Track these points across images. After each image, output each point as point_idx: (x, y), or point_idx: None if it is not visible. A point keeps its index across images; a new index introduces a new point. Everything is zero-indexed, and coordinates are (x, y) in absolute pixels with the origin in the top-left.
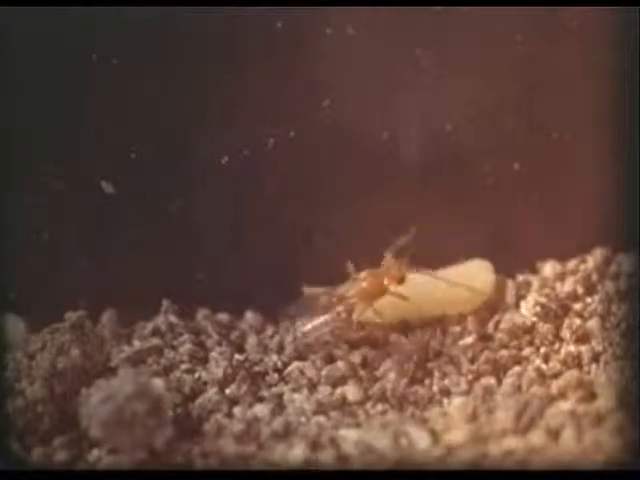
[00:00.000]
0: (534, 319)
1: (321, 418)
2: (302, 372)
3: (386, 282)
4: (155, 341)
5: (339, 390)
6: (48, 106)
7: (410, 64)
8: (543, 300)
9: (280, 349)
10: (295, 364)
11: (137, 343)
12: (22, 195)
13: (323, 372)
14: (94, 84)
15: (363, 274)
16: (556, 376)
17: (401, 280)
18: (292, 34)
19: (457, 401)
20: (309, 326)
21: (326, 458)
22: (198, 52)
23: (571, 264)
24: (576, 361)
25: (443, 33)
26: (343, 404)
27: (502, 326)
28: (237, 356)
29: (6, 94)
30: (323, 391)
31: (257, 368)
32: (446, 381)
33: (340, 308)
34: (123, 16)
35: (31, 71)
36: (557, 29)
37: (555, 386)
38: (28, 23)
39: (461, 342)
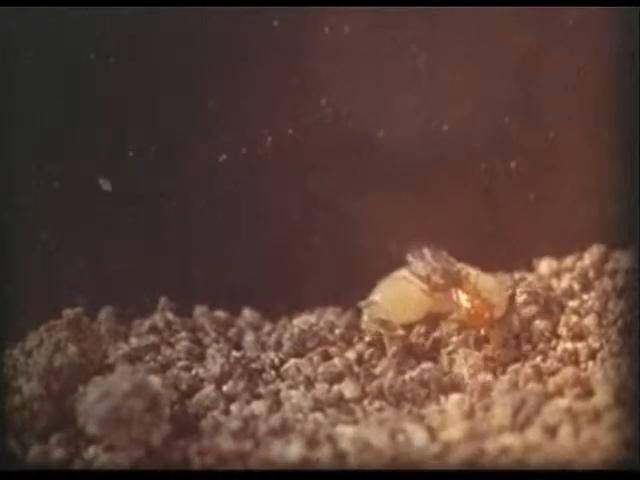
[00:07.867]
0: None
1: (318, 415)
2: (299, 369)
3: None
4: (152, 338)
5: (336, 387)
6: (48, 106)
7: (407, 63)
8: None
9: (277, 346)
10: (292, 361)
11: (134, 340)
12: (21, 194)
13: (320, 369)
14: (92, 84)
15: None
16: (553, 373)
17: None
18: (289, 33)
19: (454, 398)
20: None
21: (323, 455)
22: (196, 51)
23: (568, 261)
24: (573, 358)
25: (440, 31)
26: (340, 401)
27: (498, 323)
28: (234, 353)
29: (6, 94)
30: (320, 388)
31: (254, 365)
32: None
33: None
34: (122, 16)
35: (31, 71)
36: (556, 28)
37: (552, 383)
38: (28, 23)
39: (458, 339)
